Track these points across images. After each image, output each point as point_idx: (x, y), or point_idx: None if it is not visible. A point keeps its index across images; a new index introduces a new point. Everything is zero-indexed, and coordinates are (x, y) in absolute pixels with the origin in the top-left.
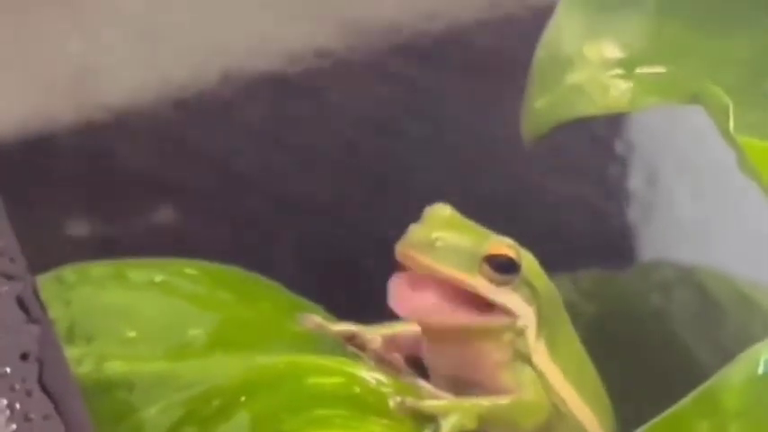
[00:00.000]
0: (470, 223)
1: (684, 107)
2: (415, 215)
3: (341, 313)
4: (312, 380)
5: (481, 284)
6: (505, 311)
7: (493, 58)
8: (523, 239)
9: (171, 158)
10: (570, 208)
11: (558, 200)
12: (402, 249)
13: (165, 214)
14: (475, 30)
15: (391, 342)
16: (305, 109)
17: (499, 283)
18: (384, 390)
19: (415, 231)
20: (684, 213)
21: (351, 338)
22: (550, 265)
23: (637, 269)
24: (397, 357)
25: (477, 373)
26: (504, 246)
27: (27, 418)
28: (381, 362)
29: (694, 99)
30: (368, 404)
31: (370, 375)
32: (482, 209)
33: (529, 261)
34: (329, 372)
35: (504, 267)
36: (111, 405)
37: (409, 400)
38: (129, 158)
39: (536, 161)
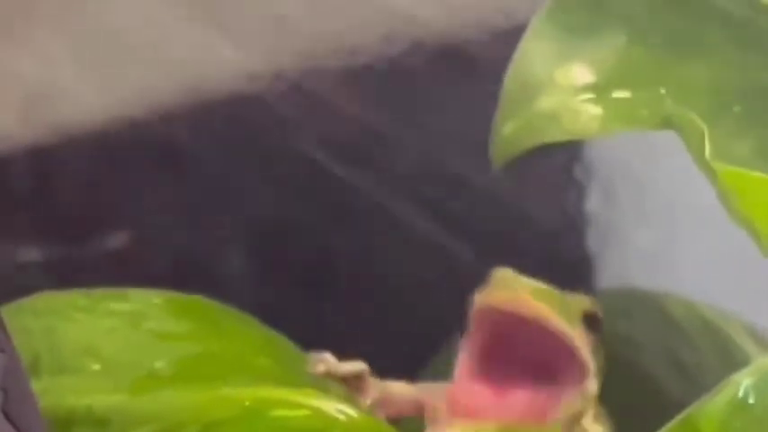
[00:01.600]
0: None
1: (643, 132)
2: (377, 236)
3: (303, 341)
4: (277, 413)
5: (581, 342)
6: (589, 372)
7: (454, 81)
8: (481, 264)
9: (125, 181)
10: (528, 232)
11: (515, 224)
12: (510, 294)
13: (118, 239)
14: (436, 52)
15: (385, 398)
16: (264, 130)
17: (584, 338)
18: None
19: (515, 279)
20: (641, 239)
21: (352, 380)
22: None
23: (600, 295)
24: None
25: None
26: (594, 305)
27: None
28: (377, 411)
29: (665, 124)
30: None
31: (336, 408)
32: (442, 233)
33: None
34: (295, 405)
35: (595, 327)
36: None
37: None
38: (80, 181)
39: (494, 185)
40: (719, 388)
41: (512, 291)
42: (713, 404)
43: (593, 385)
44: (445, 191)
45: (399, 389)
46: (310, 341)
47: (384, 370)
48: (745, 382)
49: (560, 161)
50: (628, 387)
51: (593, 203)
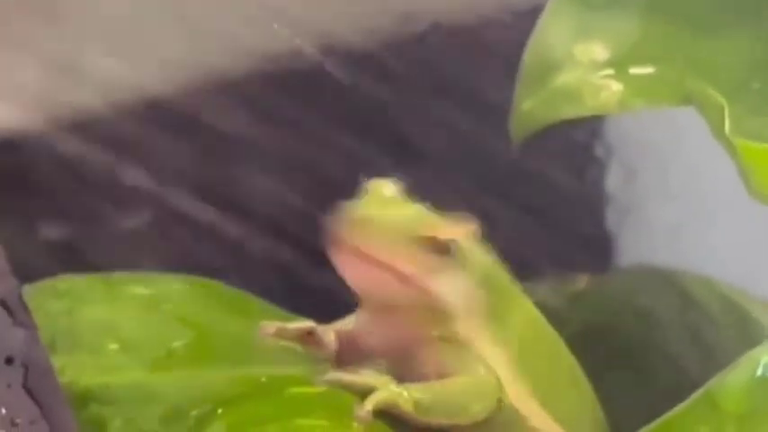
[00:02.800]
0: (411, 202)
1: (666, 109)
2: None
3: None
4: (293, 390)
5: (412, 268)
6: (436, 296)
7: (473, 60)
8: (501, 242)
9: (145, 161)
10: (548, 209)
11: (536, 201)
12: (336, 229)
13: (137, 220)
14: (454, 31)
15: (347, 340)
16: (283, 110)
17: (432, 267)
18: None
19: (351, 210)
20: (661, 216)
21: (308, 337)
22: (529, 267)
23: (620, 274)
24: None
25: (417, 350)
26: (439, 227)
27: (13, 423)
28: (340, 361)
29: (685, 100)
30: (350, 414)
31: None
32: (461, 210)
33: (468, 244)
34: (310, 382)
35: (437, 250)
36: (91, 416)
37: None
38: (102, 161)
39: (514, 163)
40: (737, 364)
41: (341, 224)
42: (731, 380)
43: (456, 306)
44: (463, 170)
45: (349, 323)
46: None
47: None
48: (764, 359)
49: (581, 139)
50: (647, 364)
51: (614, 181)
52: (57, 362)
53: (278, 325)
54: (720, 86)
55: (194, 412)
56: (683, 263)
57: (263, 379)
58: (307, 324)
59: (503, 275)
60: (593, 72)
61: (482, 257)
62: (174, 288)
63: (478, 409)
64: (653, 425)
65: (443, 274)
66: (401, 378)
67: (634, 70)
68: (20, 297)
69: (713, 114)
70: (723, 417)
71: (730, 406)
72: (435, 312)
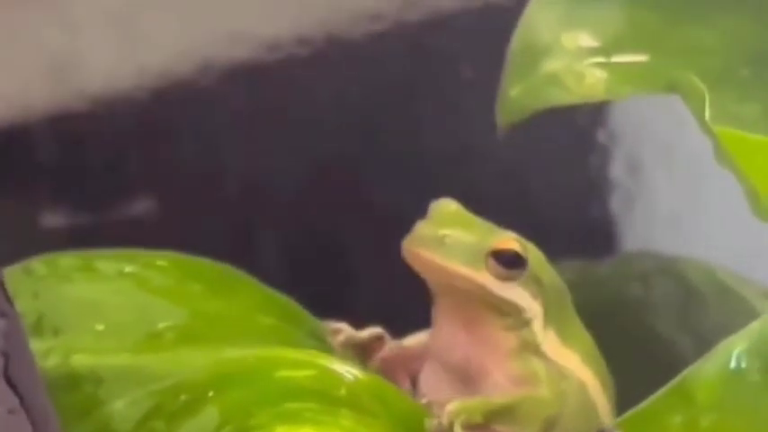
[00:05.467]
0: (476, 218)
1: (667, 96)
2: (394, 205)
3: (314, 306)
4: (282, 373)
5: (487, 280)
6: (511, 305)
7: (474, 47)
8: (505, 229)
9: (147, 149)
10: (552, 197)
11: (539, 189)
12: (409, 247)
13: (141, 205)
14: (456, 18)
15: (398, 356)
16: (284, 98)
17: (505, 278)
18: (353, 382)
19: (422, 228)
20: (665, 203)
21: (376, 343)
22: None
23: (617, 259)
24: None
25: (486, 360)
26: (509, 240)
27: None
28: (386, 371)
29: (669, 88)
30: (339, 398)
31: (342, 368)
32: (463, 199)
33: (535, 254)
34: (300, 365)
35: (510, 262)
36: (78, 398)
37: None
38: (104, 148)
39: (517, 150)
40: (711, 354)
41: (414, 242)
42: (705, 370)
43: (530, 313)
44: (468, 158)
45: (414, 340)
46: (328, 310)
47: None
48: (738, 348)
49: (584, 127)
50: (644, 349)
51: (617, 168)
52: (44, 343)
53: (350, 333)
54: (705, 74)
55: (183, 396)
56: (688, 249)
57: (252, 361)
58: (376, 331)
59: (562, 285)
60: (579, 60)
61: (548, 268)
62: (158, 265)
63: (540, 421)
64: (626, 414)
65: (517, 285)
66: (465, 389)
67: (620, 58)
68: (2, 285)
69: (695, 102)
70: (696, 407)
71: (703, 396)
72: (514, 321)
